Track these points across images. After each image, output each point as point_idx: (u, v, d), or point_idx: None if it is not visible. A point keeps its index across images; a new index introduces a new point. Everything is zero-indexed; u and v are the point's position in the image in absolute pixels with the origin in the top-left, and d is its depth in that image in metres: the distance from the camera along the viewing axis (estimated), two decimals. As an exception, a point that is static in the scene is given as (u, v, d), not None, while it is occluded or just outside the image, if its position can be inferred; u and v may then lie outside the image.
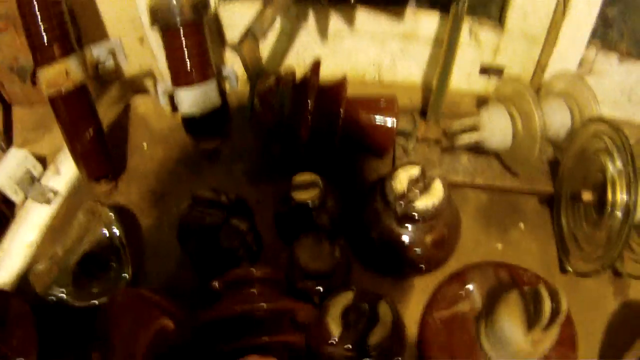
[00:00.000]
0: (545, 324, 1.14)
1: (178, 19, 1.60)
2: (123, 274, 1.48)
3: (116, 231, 1.52)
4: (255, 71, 1.70)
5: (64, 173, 1.80)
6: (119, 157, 1.79)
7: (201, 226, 1.38)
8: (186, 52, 1.66)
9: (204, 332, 1.25)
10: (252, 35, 1.65)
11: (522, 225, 1.67)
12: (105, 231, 1.52)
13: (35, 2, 1.45)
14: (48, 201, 1.72)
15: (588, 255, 1.48)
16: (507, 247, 1.61)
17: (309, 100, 1.53)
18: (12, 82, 2.05)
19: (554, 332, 1.19)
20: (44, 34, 1.47)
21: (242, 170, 1.79)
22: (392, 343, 1.21)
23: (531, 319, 1.18)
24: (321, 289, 1.31)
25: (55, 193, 1.74)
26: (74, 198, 1.73)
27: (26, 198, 1.74)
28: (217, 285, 1.27)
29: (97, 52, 1.61)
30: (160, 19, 1.62)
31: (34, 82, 1.86)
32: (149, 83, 2.08)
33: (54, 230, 1.65)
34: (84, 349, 1.28)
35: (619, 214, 1.34)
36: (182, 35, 1.64)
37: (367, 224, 1.46)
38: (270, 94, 1.61)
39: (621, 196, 1.35)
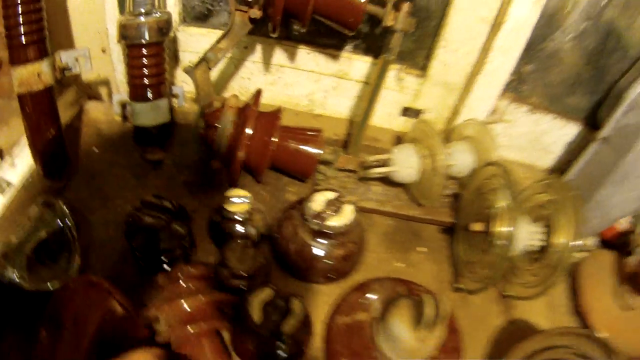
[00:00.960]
0: (428, 324, 1.33)
1: (144, 38, 1.73)
2: (73, 263, 1.58)
3: (69, 223, 1.62)
4: (204, 94, 1.82)
5: (19, 166, 1.86)
6: (71, 158, 1.88)
7: (147, 226, 1.55)
8: (146, 70, 1.78)
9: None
10: (206, 62, 1.79)
11: (422, 249, 1.85)
12: (59, 222, 1.62)
13: (19, 5, 1.55)
14: (2, 191, 1.77)
15: (475, 275, 1.68)
16: (408, 267, 1.78)
17: (248, 125, 1.70)
18: None
19: (438, 332, 1.38)
20: (23, 36, 1.57)
21: (183, 180, 1.92)
22: (301, 333, 1.43)
23: (417, 320, 1.36)
24: (245, 287, 1.50)
25: (9, 184, 1.79)
26: (27, 191, 1.79)
27: None
28: (160, 281, 1.46)
29: (66, 58, 1.70)
30: (127, 35, 1.74)
31: None
32: (103, 91, 2.18)
33: (6, 219, 1.70)
34: (33, 326, 1.38)
35: (501, 242, 1.56)
36: (144, 54, 1.77)
37: (286, 236, 1.65)
38: (216, 116, 1.77)
39: (504, 228, 1.56)
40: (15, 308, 1.50)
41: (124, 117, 1.99)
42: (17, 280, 1.48)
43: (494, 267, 1.58)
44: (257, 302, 1.40)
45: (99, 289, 1.41)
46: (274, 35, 1.77)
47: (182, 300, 1.37)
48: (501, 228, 1.57)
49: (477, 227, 1.66)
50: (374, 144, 2.09)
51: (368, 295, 1.61)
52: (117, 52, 2.02)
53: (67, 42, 1.83)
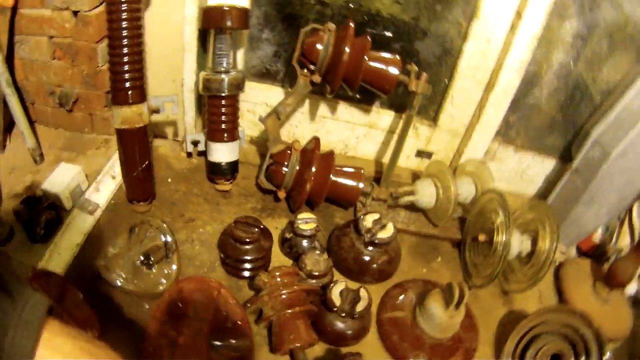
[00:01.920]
0: (456, 303, 1.73)
1: (224, 91, 2.04)
2: (171, 271, 1.83)
3: (169, 237, 1.89)
4: (273, 139, 2.12)
5: (103, 191, 2.08)
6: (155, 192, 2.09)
7: (240, 239, 1.90)
8: (224, 117, 2.10)
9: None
10: (276, 114, 2.12)
11: (439, 259, 2.24)
12: (161, 236, 1.85)
13: (125, 55, 1.77)
14: (91, 212, 1.98)
15: (481, 275, 2.07)
16: (430, 272, 2.16)
17: (314, 165, 2.07)
18: (45, 103, 2.25)
19: (462, 311, 1.78)
20: (127, 81, 1.79)
21: (250, 206, 2.24)
22: (367, 313, 1.83)
23: (447, 302, 1.77)
24: (318, 284, 1.90)
25: (97, 207, 2.02)
26: (110, 214, 2.01)
27: (74, 207, 1.99)
28: (263, 277, 1.80)
29: (156, 102, 1.94)
30: (210, 88, 2.04)
31: (72, 109, 2.21)
32: (169, 131, 2.42)
33: (94, 237, 1.89)
34: (139, 324, 1.61)
35: (500, 248, 1.96)
36: (223, 104, 2.08)
37: (344, 247, 2.05)
38: (284, 156, 2.10)
39: (502, 237, 1.96)
40: (116, 309, 1.70)
41: (190, 154, 2.30)
42: (124, 284, 1.72)
43: (494, 267, 1.97)
44: (335, 291, 1.80)
45: (209, 285, 1.72)
46: (330, 96, 2.11)
47: (283, 290, 1.76)
48: (500, 237, 1.97)
49: (482, 237, 2.06)
50: (397, 179, 2.46)
51: (403, 295, 2.00)
52: (189, 100, 2.28)
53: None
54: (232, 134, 2.15)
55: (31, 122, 2.19)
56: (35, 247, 1.84)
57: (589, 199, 2.25)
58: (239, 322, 1.69)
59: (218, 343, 1.64)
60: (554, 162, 2.49)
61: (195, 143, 2.23)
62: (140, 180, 1.98)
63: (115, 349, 1.00)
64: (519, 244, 2.04)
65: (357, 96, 2.38)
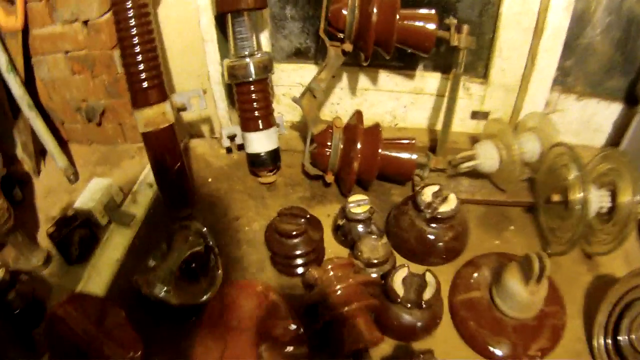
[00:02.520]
0: (537, 277, 1.56)
1: (251, 76, 1.95)
2: (216, 278, 1.74)
3: (210, 241, 1.80)
4: (311, 119, 2.03)
5: (140, 201, 2.06)
6: (191, 190, 2.02)
7: (286, 233, 1.78)
8: (256, 104, 2.00)
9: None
10: (310, 91, 2.01)
11: (512, 227, 2.06)
12: (201, 241, 1.77)
13: (139, 54, 1.71)
14: (128, 225, 1.96)
15: (561, 240, 1.89)
16: (503, 243, 1.99)
17: (359, 141, 1.94)
18: (74, 121, 2.28)
19: (544, 284, 1.61)
20: (145, 81, 1.72)
21: (298, 196, 2.13)
22: (437, 300, 1.66)
23: (527, 276, 1.60)
24: (378, 272, 1.75)
25: (134, 218, 1.99)
26: (150, 223, 1.98)
27: (110, 222, 1.98)
28: (314, 273, 1.65)
29: (180, 99, 1.87)
30: (236, 75, 1.96)
31: (100, 122, 2.22)
32: (205, 128, 2.38)
33: (135, 250, 1.87)
34: (186, 338, 1.55)
35: (578, 207, 1.77)
36: (253, 90, 1.98)
37: (404, 227, 1.89)
38: (326, 136, 2.00)
39: (579, 195, 1.78)
40: (163, 324, 1.65)
41: (229, 150, 2.24)
42: (165, 296, 1.64)
43: (574, 228, 1.79)
44: (397, 279, 1.64)
45: (254, 290, 1.64)
46: (365, 64, 1.99)
47: (337, 286, 1.60)
48: (576, 195, 1.79)
49: (556, 197, 1.87)
50: (454, 146, 2.30)
51: (476, 274, 1.83)
52: (218, 92, 2.23)
53: (169, 88, 1.90)
54: (268, 121, 2.06)
55: (64, 142, 2.28)
56: (72, 269, 1.84)
57: (665, 141, 2.02)
58: (291, 328, 1.61)
59: (269, 353, 1.54)
60: (620, 107, 2.30)
61: (232, 137, 2.15)
62: (175, 184, 1.92)
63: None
64: (597, 199, 1.84)
65: (398, 62, 2.26)
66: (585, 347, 1.68)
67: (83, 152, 2.32)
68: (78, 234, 1.85)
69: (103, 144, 2.37)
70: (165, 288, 1.65)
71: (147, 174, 2.17)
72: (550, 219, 1.99)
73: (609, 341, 1.63)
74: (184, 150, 2.26)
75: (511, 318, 1.68)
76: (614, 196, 1.82)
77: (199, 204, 2.07)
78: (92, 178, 2.06)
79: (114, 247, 1.89)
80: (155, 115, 1.78)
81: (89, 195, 1.96)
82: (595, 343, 1.65)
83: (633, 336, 1.57)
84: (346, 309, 1.56)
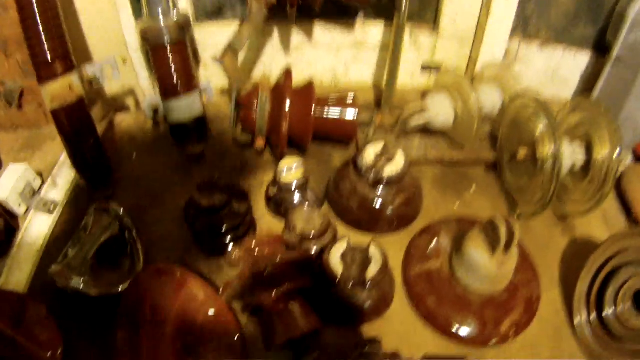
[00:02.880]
0: (504, 245, 1.35)
1: (166, 38, 1.77)
2: (137, 263, 1.58)
3: (127, 223, 1.65)
4: (235, 79, 1.86)
5: (61, 185, 1.89)
6: (113, 167, 1.90)
7: (207, 209, 1.55)
8: (173, 67, 1.81)
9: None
10: (232, 49, 1.83)
11: (473, 188, 1.86)
12: (117, 224, 1.63)
13: (39, 23, 1.58)
14: (49, 211, 1.80)
15: (530, 200, 1.70)
16: (464, 207, 1.80)
17: (287, 100, 1.74)
18: None
19: (514, 253, 1.41)
20: (47, 52, 1.59)
21: (228, 166, 1.95)
22: (384, 276, 1.42)
23: (493, 245, 1.39)
24: (316, 246, 1.52)
25: (55, 203, 1.83)
26: (73, 207, 1.83)
27: (28, 210, 1.82)
28: (235, 254, 1.47)
29: (92, 70, 1.72)
30: (150, 38, 1.78)
31: (20, 104, 2.07)
32: (130, 101, 2.22)
33: (57, 238, 1.73)
34: (109, 331, 1.35)
35: (549, 162, 1.58)
36: (169, 53, 1.80)
37: (345, 194, 1.67)
38: (252, 97, 1.80)
39: (549, 148, 1.58)
40: (85, 317, 1.50)
41: (156, 122, 2.06)
42: (83, 288, 1.49)
43: (545, 187, 1.60)
44: (335, 255, 1.41)
45: (170, 276, 1.43)
46: (293, 13, 1.85)
47: (263, 267, 1.38)
48: (546, 149, 1.60)
49: (523, 153, 1.69)
50: (403, 102, 2.09)
51: (433, 243, 1.63)
52: (138, 60, 2.05)
53: (86, 59, 1.84)
54: (189, 85, 1.85)
55: None
56: None
57: (640, 91, 1.89)
58: (217, 318, 1.41)
59: (193, 348, 1.37)
60: (588, 56, 2.16)
61: (155, 109, 1.98)
62: (91, 164, 1.77)
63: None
64: (570, 154, 1.66)
65: (335, 12, 2.08)
66: (565, 319, 1.51)
67: (8, 139, 2.16)
68: (-10, 229, 1.70)
69: (27, 129, 2.23)
70: (81, 279, 1.49)
71: (67, 155, 1.96)
72: (517, 178, 1.81)
73: (593, 315, 1.46)
74: (109, 126, 2.13)
75: (477, 294, 1.48)
76: (588, 150, 1.65)
77: (122, 182, 1.91)
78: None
79: (34, 237, 1.74)
80: (62, 89, 1.61)
81: (4, 184, 1.80)
82: (577, 317, 1.48)
83: (620, 307, 1.40)
84: (275, 292, 1.35)
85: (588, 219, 1.76)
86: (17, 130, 2.20)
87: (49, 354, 1.34)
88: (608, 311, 1.42)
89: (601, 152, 1.60)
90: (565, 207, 1.75)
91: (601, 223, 1.78)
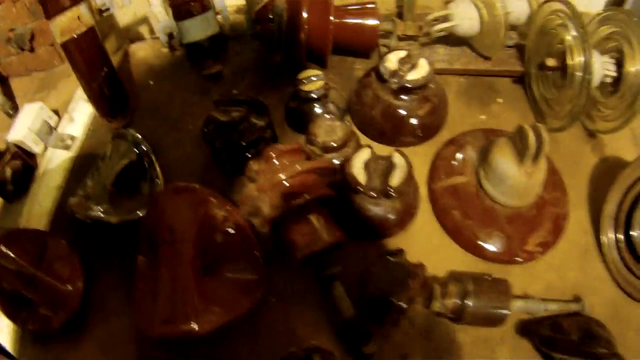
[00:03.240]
0: (533, 154, 1.31)
1: None
2: (155, 187, 1.57)
3: (144, 148, 1.63)
4: None
5: (78, 119, 1.89)
6: (130, 96, 1.88)
7: (226, 124, 1.52)
8: None
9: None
10: None
11: (500, 100, 1.81)
12: (135, 150, 1.63)
13: None
14: (67, 147, 1.81)
15: (558, 114, 1.64)
16: (490, 118, 1.75)
17: (303, 8, 1.67)
18: (8, 54, 2.14)
19: (543, 163, 1.36)
20: None
21: (247, 84, 1.90)
22: (408, 186, 1.39)
23: (521, 154, 1.34)
24: (339, 159, 1.48)
25: (73, 138, 1.83)
26: (91, 140, 1.83)
27: (46, 147, 1.83)
28: (254, 167, 1.39)
29: None
30: None
31: (32, 47, 2.07)
32: (144, 30, 2.18)
33: (77, 172, 1.74)
34: (131, 259, 1.38)
35: (579, 73, 1.50)
36: None
37: (367, 103, 1.63)
38: (268, 9, 1.75)
39: (578, 58, 1.50)
40: (107, 248, 1.52)
41: (171, 47, 2.02)
42: (103, 216, 1.48)
43: (574, 99, 1.54)
44: (358, 163, 1.37)
45: (189, 193, 1.40)
46: None
47: (281, 175, 1.34)
48: (576, 59, 1.52)
49: (551, 62, 1.60)
50: (426, 11, 1.97)
51: (460, 154, 1.58)
52: None
53: None
54: (201, 3, 1.83)
55: (4, 79, 2.18)
56: (13, 207, 1.73)
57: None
58: (237, 236, 1.38)
59: (214, 263, 1.34)
60: None
61: (170, 33, 1.95)
62: (104, 93, 1.76)
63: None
64: (600, 66, 1.56)
65: None
66: (593, 240, 1.49)
67: (24, 83, 2.17)
68: (10, 169, 1.70)
69: (42, 70, 2.22)
70: (100, 208, 1.50)
71: (82, 90, 1.94)
72: (545, 89, 1.72)
73: (620, 236, 1.43)
74: (124, 56, 2.09)
75: (504, 206, 1.45)
76: (619, 64, 1.57)
77: (140, 110, 1.89)
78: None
79: (53, 174, 1.76)
80: (70, 21, 1.60)
81: (20, 124, 1.79)
82: (604, 238, 1.46)
83: None
84: (295, 203, 1.31)
85: (618, 138, 1.70)
86: (31, 74, 2.19)
87: (70, 287, 1.39)
88: (636, 232, 1.39)
89: (633, 67, 1.52)
90: (595, 124, 1.69)
91: (631, 144, 1.73)
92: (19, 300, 1.35)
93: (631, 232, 1.39)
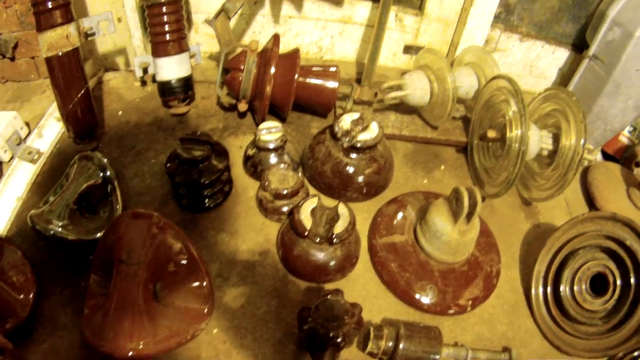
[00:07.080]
0: (467, 213, 1.41)
1: None
2: (115, 213, 1.60)
3: (109, 173, 1.65)
4: (225, 42, 1.87)
5: (47, 135, 1.90)
6: (98, 123, 1.89)
7: (189, 159, 1.59)
8: (167, 27, 1.84)
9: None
10: (225, 12, 1.85)
11: (443, 167, 1.92)
12: (101, 173, 1.64)
13: None
14: (33, 161, 1.81)
15: (495, 181, 1.76)
16: (432, 183, 1.86)
17: (272, 64, 1.77)
18: None
19: (476, 223, 1.47)
20: (49, 1, 1.59)
21: (210, 128, 1.97)
22: (350, 235, 1.49)
23: (456, 213, 1.45)
24: (287, 206, 1.59)
25: (40, 153, 1.83)
26: (56, 159, 1.83)
27: (13, 157, 1.84)
28: None
29: (89, 23, 1.73)
30: None
31: (13, 56, 2.09)
32: (120, 61, 2.22)
33: (38, 186, 1.74)
34: (84, 276, 1.42)
35: (516, 144, 1.63)
36: (164, 12, 1.82)
37: (320, 158, 1.72)
38: (240, 60, 1.83)
39: (517, 131, 1.63)
40: (62, 263, 1.54)
41: (143, 82, 2.08)
42: (62, 232, 1.49)
43: (511, 168, 1.65)
44: (305, 210, 1.47)
45: (148, 220, 1.43)
46: None
47: None
48: (515, 131, 1.64)
49: (492, 133, 1.73)
50: (384, 80, 2.11)
51: (400, 213, 1.68)
52: (133, 20, 2.05)
53: (83, 15, 1.83)
54: (179, 45, 1.90)
55: None
56: None
57: (613, 88, 1.96)
58: (190, 269, 1.44)
59: (164, 290, 1.40)
60: (567, 52, 2.25)
61: (145, 68, 1.99)
62: (79, 114, 1.78)
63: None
64: (537, 140, 1.71)
65: None
66: (522, 298, 1.60)
67: None
68: (-25, 174, 1.67)
69: (17, 81, 2.24)
70: (60, 223, 1.50)
71: (55, 107, 1.97)
72: (486, 159, 1.86)
73: (549, 290, 1.54)
74: (98, 83, 2.12)
75: (438, 261, 1.55)
76: (557, 140, 1.71)
77: (107, 137, 1.92)
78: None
79: (16, 184, 1.76)
80: (59, 38, 1.64)
81: None
82: (533, 291, 1.56)
83: (576, 288, 1.49)
84: None
85: (551, 206, 1.83)
86: (6, 83, 2.21)
87: (21, 296, 1.38)
88: (564, 288, 1.50)
89: (567, 141, 1.66)
90: (530, 193, 1.82)
91: (563, 211, 1.86)
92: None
93: (560, 288, 1.50)
